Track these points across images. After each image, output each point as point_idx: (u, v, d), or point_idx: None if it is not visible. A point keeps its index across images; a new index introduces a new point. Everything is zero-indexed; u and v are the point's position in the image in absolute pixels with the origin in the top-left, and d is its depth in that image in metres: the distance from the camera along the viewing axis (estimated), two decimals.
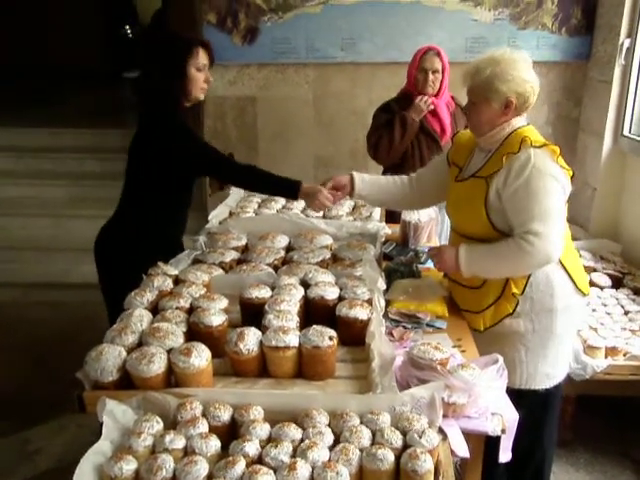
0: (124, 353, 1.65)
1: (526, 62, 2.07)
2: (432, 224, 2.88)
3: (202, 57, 2.45)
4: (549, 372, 2.22)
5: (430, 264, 2.62)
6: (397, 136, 3.24)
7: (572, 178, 2.07)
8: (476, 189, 2.10)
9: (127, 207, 2.58)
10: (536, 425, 2.29)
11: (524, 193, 1.98)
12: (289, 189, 2.46)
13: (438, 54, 3.22)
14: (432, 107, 3.24)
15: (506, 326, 2.14)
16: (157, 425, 1.47)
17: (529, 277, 2.09)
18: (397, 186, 2.44)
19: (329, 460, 1.36)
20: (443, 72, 3.24)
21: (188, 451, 1.40)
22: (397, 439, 1.41)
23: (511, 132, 2.09)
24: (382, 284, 2.08)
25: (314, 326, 1.74)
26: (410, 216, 2.79)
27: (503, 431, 1.61)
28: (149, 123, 2.48)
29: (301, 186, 2.42)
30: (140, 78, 2.60)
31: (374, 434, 1.44)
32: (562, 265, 2.12)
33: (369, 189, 2.40)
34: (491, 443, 1.73)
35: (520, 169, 1.98)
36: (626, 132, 4.01)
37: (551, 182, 1.99)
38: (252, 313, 1.91)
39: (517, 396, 2.01)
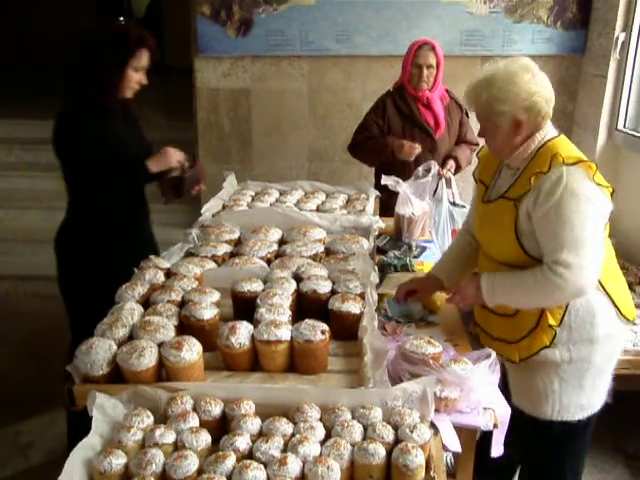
0: (114, 347, 1.63)
1: (527, 71, 1.85)
2: (426, 217, 2.87)
3: (144, 59, 2.42)
4: (584, 403, 2.01)
5: (424, 257, 2.62)
6: (374, 158, 3.32)
7: (612, 195, 1.89)
8: (505, 212, 1.91)
9: (75, 201, 2.57)
10: (564, 457, 2.12)
11: (554, 217, 1.78)
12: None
13: (433, 49, 3.21)
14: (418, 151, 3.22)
15: (541, 355, 1.93)
16: (147, 419, 1.46)
17: (567, 305, 1.89)
18: (467, 251, 2.23)
19: (320, 455, 1.35)
20: (438, 67, 3.23)
21: (178, 446, 1.40)
22: (389, 434, 1.40)
23: (540, 146, 1.89)
24: (375, 278, 2.07)
25: (306, 320, 1.73)
26: (404, 209, 2.78)
27: (495, 426, 1.61)
28: (66, 114, 2.46)
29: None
30: (73, 65, 2.47)
31: (366, 429, 1.43)
32: (604, 289, 1.91)
33: (454, 276, 2.19)
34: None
35: (551, 190, 1.78)
36: (620, 126, 4.00)
37: (586, 205, 1.78)
38: (244, 307, 1.90)
39: (547, 427, 2.02)
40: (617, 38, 3.90)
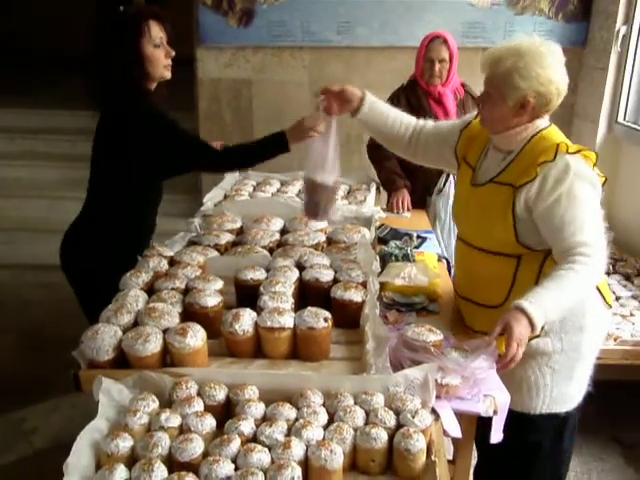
0: (120, 333, 1.65)
1: (556, 58, 1.82)
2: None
3: (156, 31, 2.23)
4: (573, 393, 1.99)
5: (424, 248, 2.64)
6: (380, 179, 3.30)
7: (603, 184, 1.87)
8: (498, 198, 1.86)
9: (94, 209, 2.43)
10: (555, 451, 2.08)
11: (567, 202, 1.75)
12: (277, 143, 2.27)
13: (445, 42, 3.13)
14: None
15: (531, 346, 1.83)
16: (153, 404, 1.48)
17: None
18: (400, 132, 2.19)
19: (323, 439, 1.37)
20: (451, 60, 3.16)
21: (184, 429, 1.41)
22: (390, 419, 1.43)
23: (534, 134, 1.87)
24: (377, 267, 2.09)
25: (309, 307, 1.74)
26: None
27: (495, 412, 1.63)
28: (112, 113, 2.30)
29: (285, 132, 2.24)
30: (98, 63, 2.30)
31: (368, 414, 1.45)
32: None
33: (373, 120, 2.18)
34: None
35: (559, 178, 1.76)
36: (621, 119, 4.03)
37: (592, 191, 1.79)
38: (247, 294, 1.91)
39: (534, 421, 1.97)
40: (618, 31, 3.92)
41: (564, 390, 1.95)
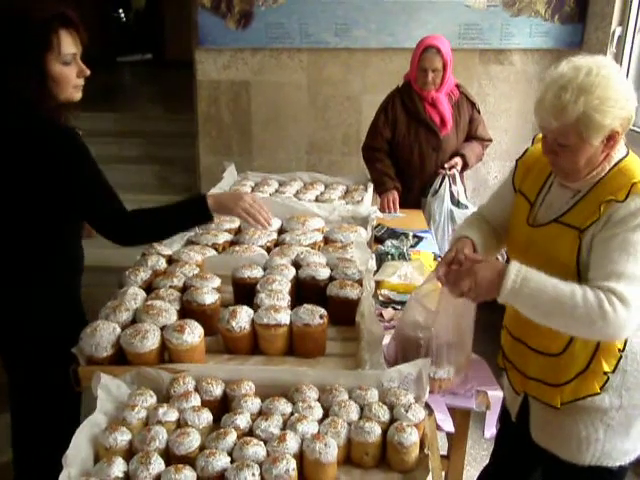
0: (118, 329, 1.68)
1: (617, 71, 1.54)
2: None
3: (67, 45, 1.71)
4: (629, 449, 1.73)
5: (420, 247, 2.66)
6: (372, 180, 3.30)
7: None
8: (562, 240, 1.60)
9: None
10: None
11: (618, 244, 1.49)
12: (195, 208, 1.89)
13: (438, 51, 3.13)
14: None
15: (586, 400, 1.64)
16: (151, 399, 1.50)
17: (622, 349, 1.60)
18: (487, 228, 1.89)
19: (318, 432, 1.40)
20: (445, 68, 3.17)
21: (181, 423, 1.44)
22: (384, 413, 1.45)
23: (611, 168, 1.58)
24: (372, 265, 2.12)
25: (305, 305, 1.77)
26: None
27: (487, 407, 1.66)
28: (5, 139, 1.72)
29: (207, 198, 1.87)
30: None
31: (362, 409, 1.48)
32: None
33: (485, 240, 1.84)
34: None
35: (625, 219, 1.50)
36: None
37: None
38: (244, 292, 1.94)
39: (585, 472, 1.73)
40: (614, 32, 3.94)
41: (619, 446, 1.71)
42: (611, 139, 1.52)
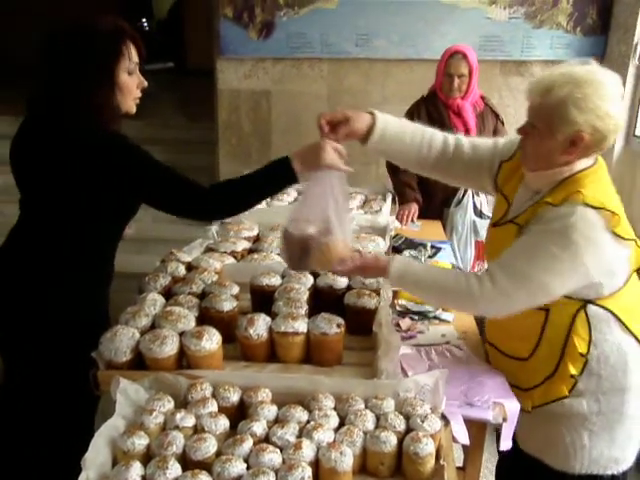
0: (137, 335, 1.69)
1: (617, 88, 1.57)
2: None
3: (133, 55, 1.82)
4: (618, 456, 1.75)
5: (439, 257, 2.66)
6: (395, 190, 3.27)
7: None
8: (507, 237, 1.69)
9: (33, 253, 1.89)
10: None
11: (529, 241, 1.59)
12: (280, 170, 1.80)
13: (465, 57, 3.16)
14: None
15: (565, 406, 1.70)
16: (168, 404, 1.51)
17: (587, 353, 1.65)
18: (423, 151, 1.89)
19: (334, 441, 1.40)
20: (470, 75, 3.19)
21: (198, 429, 1.45)
22: (400, 423, 1.45)
23: (570, 176, 1.62)
24: None
25: (322, 314, 1.78)
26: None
27: (504, 420, 1.65)
28: (72, 145, 1.75)
29: (292, 159, 1.77)
30: (44, 83, 1.80)
31: (378, 418, 1.48)
32: (631, 333, 1.67)
33: (387, 146, 1.88)
34: None
35: (550, 219, 1.57)
36: (638, 132, 4.02)
37: (579, 256, 1.54)
38: (262, 300, 1.95)
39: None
40: (636, 44, 3.92)
41: (606, 453, 1.73)
42: (574, 144, 1.56)
